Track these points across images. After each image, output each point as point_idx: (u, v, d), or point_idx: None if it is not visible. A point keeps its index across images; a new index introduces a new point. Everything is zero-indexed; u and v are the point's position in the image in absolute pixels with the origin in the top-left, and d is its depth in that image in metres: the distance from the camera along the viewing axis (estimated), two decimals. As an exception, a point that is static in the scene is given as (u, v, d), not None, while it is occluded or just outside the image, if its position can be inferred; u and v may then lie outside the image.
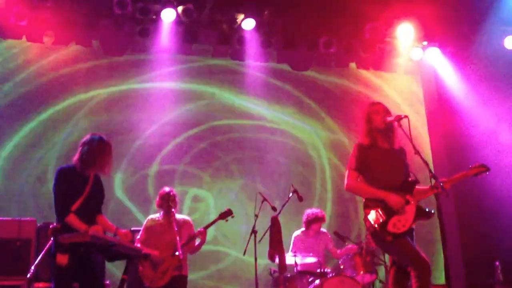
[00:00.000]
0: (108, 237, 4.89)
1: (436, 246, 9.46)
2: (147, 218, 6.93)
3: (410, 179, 5.06)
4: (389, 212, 4.83)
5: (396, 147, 5.17)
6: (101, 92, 9.04)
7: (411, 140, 4.86)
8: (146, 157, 8.98)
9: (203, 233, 6.77)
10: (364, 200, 5.02)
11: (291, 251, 7.65)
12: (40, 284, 6.43)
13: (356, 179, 5.05)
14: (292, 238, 7.99)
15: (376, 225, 4.82)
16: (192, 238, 6.72)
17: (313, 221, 7.92)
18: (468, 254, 9.39)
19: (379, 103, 5.27)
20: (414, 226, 4.93)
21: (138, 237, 6.76)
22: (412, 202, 4.88)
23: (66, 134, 8.67)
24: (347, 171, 5.13)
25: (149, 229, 6.79)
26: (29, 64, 8.74)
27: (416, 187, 5.02)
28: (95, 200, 5.24)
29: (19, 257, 6.49)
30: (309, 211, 8.02)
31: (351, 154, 5.14)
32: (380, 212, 4.84)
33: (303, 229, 8.05)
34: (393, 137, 5.14)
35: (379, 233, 4.81)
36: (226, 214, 6.93)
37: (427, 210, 4.95)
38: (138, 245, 6.54)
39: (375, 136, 5.12)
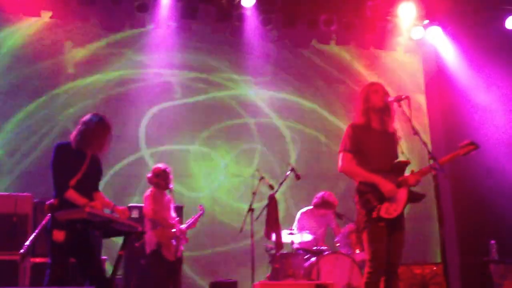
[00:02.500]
0: (105, 213, 4.89)
1: (432, 225, 9.59)
2: (150, 190, 6.91)
3: (401, 160, 5.02)
4: (381, 197, 4.80)
5: (389, 130, 5.10)
6: (99, 68, 9.04)
7: (411, 120, 4.79)
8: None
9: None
10: (357, 183, 4.96)
11: (296, 228, 7.74)
12: (37, 259, 6.48)
13: (350, 160, 4.95)
14: (298, 215, 8.02)
15: (368, 210, 4.79)
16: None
17: (324, 206, 7.92)
18: (463, 233, 9.45)
19: (378, 84, 5.18)
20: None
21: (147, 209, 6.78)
22: (404, 186, 4.84)
23: (65, 110, 8.70)
24: (341, 153, 5.03)
25: (157, 200, 6.81)
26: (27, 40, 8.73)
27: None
28: (92, 178, 5.22)
29: (16, 232, 6.52)
30: (323, 194, 7.98)
31: (344, 134, 5.05)
32: (373, 197, 4.80)
33: (310, 207, 8.06)
34: (388, 119, 5.07)
35: (371, 218, 4.77)
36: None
37: (418, 192, 4.93)
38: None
39: (370, 117, 5.04)
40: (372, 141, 4.98)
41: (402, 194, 4.85)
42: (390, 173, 4.90)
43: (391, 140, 5.10)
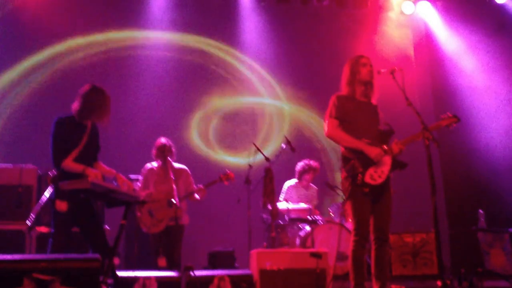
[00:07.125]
0: (108, 184, 4.91)
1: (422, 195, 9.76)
2: (145, 167, 6.99)
3: (385, 129, 5.13)
4: (366, 163, 4.88)
5: (372, 102, 5.20)
6: (97, 37, 9.19)
7: (404, 92, 4.91)
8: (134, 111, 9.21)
9: (202, 191, 6.88)
10: (342, 150, 5.05)
11: (283, 199, 7.88)
12: (42, 228, 6.63)
13: (336, 126, 5.02)
14: (285, 187, 8.12)
15: (353, 176, 4.88)
16: (191, 193, 6.85)
17: (306, 172, 8.05)
18: (452, 203, 9.63)
19: (366, 57, 5.22)
20: (391, 176, 5.01)
21: (139, 184, 6.92)
22: (389, 153, 4.92)
23: (63, 79, 8.87)
24: (326, 120, 5.11)
25: (147, 177, 6.92)
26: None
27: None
28: (92, 149, 5.30)
29: (21, 203, 6.69)
30: (302, 162, 8.13)
31: (330, 103, 5.12)
32: (358, 163, 4.89)
33: (296, 180, 8.19)
34: (371, 92, 5.16)
35: (356, 184, 4.86)
36: (227, 177, 7.04)
37: (401, 161, 5.01)
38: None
39: (355, 89, 5.12)
40: (356, 111, 5.06)
41: (387, 161, 4.93)
42: (374, 140, 4.97)
43: (374, 111, 5.19)
